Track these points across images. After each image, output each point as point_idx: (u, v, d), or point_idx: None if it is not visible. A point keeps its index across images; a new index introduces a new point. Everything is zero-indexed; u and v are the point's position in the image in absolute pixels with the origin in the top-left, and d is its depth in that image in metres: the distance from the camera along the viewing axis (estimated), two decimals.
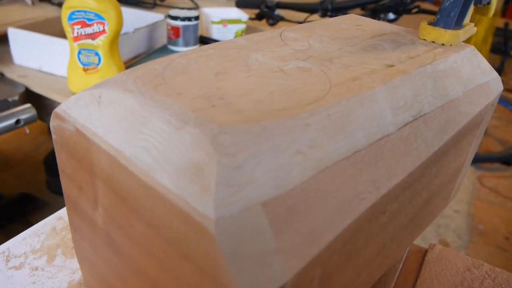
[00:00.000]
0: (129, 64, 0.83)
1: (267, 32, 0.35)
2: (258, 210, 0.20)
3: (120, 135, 0.23)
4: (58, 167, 0.30)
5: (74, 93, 0.74)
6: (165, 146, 0.21)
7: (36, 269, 0.43)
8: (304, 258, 0.21)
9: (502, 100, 2.25)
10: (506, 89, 2.79)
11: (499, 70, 2.44)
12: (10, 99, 0.72)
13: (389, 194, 0.26)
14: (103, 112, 0.25)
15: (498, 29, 2.51)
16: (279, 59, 0.30)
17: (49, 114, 0.80)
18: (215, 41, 1.04)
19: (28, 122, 0.71)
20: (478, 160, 1.98)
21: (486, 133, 2.24)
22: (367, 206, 0.24)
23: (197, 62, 0.28)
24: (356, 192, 0.24)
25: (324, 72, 0.28)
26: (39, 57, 0.80)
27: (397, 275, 0.46)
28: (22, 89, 0.74)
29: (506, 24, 2.39)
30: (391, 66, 0.30)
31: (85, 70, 0.70)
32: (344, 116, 0.24)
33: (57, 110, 0.27)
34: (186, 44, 0.95)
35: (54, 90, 0.75)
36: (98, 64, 0.70)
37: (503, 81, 2.74)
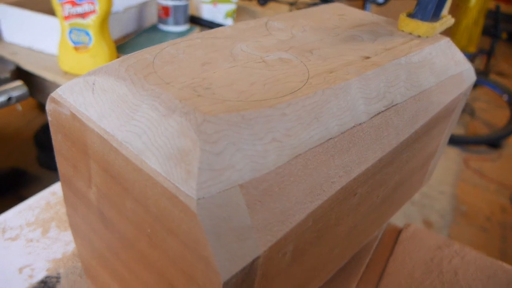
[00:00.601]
0: (120, 43, 0.84)
1: (253, 21, 0.37)
2: (236, 191, 0.22)
3: (112, 121, 0.25)
4: (54, 147, 0.32)
5: (65, 72, 0.75)
6: (154, 132, 0.23)
7: (31, 240, 0.46)
8: (276, 234, 0.23)
9: (491, 83, 2.28)
10: (496, 72, 2.82)
11: (490, 53, 2.47)
12: (1, 76, 0.72)
13: (359, 178, 0.29)
14: (97, 98, 0.26)
15: (489, 12, 2.53)
16: (262, 49, 0.31)
17: (40, 91, 0.81)
18: (206, 21, 1.05)
19: (19, 99, 0.72)
20: (465, 142, 2.03)
21: (474, 116, 2.29)
22: (337, 189, 0.27)
23: (185, 52, 0.30)
24: (327, 176, 0.26)
25: (304, 64, 0.30)
26: (29, 34, 0.80)
27: (372, 251, 0.49)
28: (12, 67, 0.75)
29: (498, 7, 2.41)
30: (367, 58, 0.33)
31: (76, 49, 0.71)
32: (318, 106, 0.27)
33: (53, 94, 0.29)
34: (176, 23, 0.96)
35: (45, 68, 0.76)
36: (88, 44, 0.71)
37: (493, 64, 2.77)
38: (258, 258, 0.23)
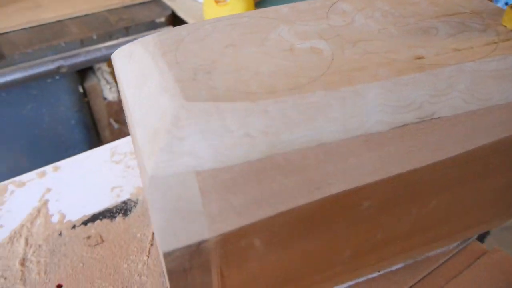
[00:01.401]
0: (258, 0, 0.86)
1: (321, 1, 0.35)
2: (191, 176, 0.23)
3: (131, 91, 0.28)
4: None
5: None
6: (148, 108, 0.26)
7: (129, 167, 0.54)
8: (231, 224, 0.24)
9: None
10: None
11: None
12: (157, 20, 0.83)
13: (362, 189, 0.27)
14: (129, 66, 0.30)
15: None
16: (301, 35, 0.30)
17: None
18: None
19: None
20: None
21: None
22: (323, 196, 0.26)
23: (221, 31, 0.31)
24: (311, 181, 0.25)
25: (333, 57, 0.28)
26: None
27: (434, 267, 0.44)
28: (169, 12, 0.85)
29: None
30: (420, 58, 0.28)
31: (216, 1, 0.76)
32: (315, 108, 0.25)
33: (112, 55, 0.33)
34: None
35: (193, 17, 0.84)
36: None
37: None
38: (205, 241, 0.24)
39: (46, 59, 0.73)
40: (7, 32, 0.77)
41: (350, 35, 0.30)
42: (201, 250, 0.25)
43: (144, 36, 0.79)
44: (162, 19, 0.84)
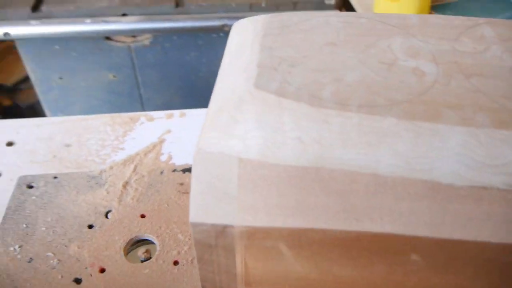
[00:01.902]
0: (439, 3, 0.78)
1: (463, 20, 0.31)
2: (233, 160, 0.24)
3: (227, 60, 0.30)
4: None
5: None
6: (227, 82, 0.27)
7: None
8: (258, 221, 0.24)
9: None
10: None
11: None
12: (327, 2, 0.83)
13: (412, 240, 0.24)
14: (235, 39, 0.31)
15: None
16: (411, 52, 0.27)
17: None
18: None
19: None
20: None
21: None
22: (358, 230, 0.24)
23: (331, 27, 0.29)
24: (351, 209, 0.24)
25: (433, 84, 0.25)
26: None
27: None
28: None
29: None
30: None
31: None
32: (381, 134, 0.23)
33: (233, 25, 0.35)
34: None
35: (363, 5, 0.81)
36: None
37: None
38: (230, 227, 0.25)
39: (215, 15, 0.80)
40: None
41: (470, 66, 0.26)
42: (226, 233, 0.25)
43: None
44: (332, 1, 0.83)
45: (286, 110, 0.24)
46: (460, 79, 0.25)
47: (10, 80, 1.29)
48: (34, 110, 0.92)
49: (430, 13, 0.75)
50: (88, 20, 0.75)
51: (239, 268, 0.28)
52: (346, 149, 0.23)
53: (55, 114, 0.93)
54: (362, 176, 0.23)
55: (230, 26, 0.80)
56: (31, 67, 0.85)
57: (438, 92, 0.24)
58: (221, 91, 0.27)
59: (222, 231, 0.25)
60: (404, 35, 0.29)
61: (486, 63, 0.27)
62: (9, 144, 0.52)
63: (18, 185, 0.47)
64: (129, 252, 0.43)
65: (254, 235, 0.25)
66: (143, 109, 0.96)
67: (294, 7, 0.82)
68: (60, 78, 0.87)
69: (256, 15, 0.79)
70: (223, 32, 0.82)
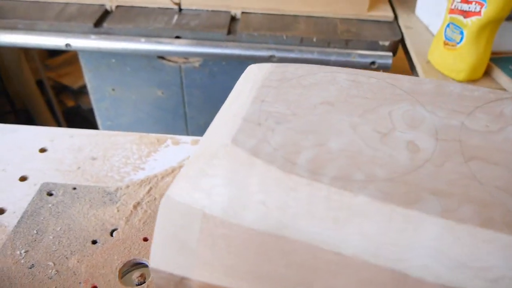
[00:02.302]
0: (499, 56, 0.73)
1: (485, 92, 0.28)
2: (198, 214, 0.23)
3: (227, 102, 0.29)
4: None
5: (427, 60, 0.74)
6: (214, 128, 0.26)
7: None
8: (214, 279, 0.23)
9: None
10: None
11: None
12: (381, 43, 0.80)
13: None
14: (241, 81, 0.31)
15: None
16: (413, 123, 0.25)
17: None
18: None
19: (381, 67, 0.79)
20: None
21: None
22: None
23: (335, 85, 0.28)
24: (308, 286, 0.22)
25: (425, 164, 0.23)
26: (435, 14, 0.82)
27: None
28: (397, 38, 0.81)
29: None
30: None
31: (445, 43, 0.68)
32: (348, 211, 0.21)
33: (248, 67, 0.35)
34: None
35: (418, 51, 0.77)
36: (458, 43, 0.66)
37: None
38: (188, 279, 0.24)
39: (264, 45, 0.80)
40: (248, 12, 0.87)
41: (474, 147, 0.24)
42: (185, 285, 0.25)
43: (359, 53, 0.78)
44: (386, 43, 0.80)
45: (256, 171, 0.22)
46: (457, 162, 0.23)
47: (76, 83, 1.38)
48: (92, 114, 0.97)
49: (488, 66, 0.70)
50: (143, 39, 0.78)
51: None
52: (311, 221, 0.21)
53: (105, 122, 0.97)
54: (325, 253, 0.21)
55: (277, 58, 0.80)
56: (88, 76, 0.90)
57: (427, 173, 0.22)
58: (205, 139, 0.26)
59: (180, 281, 0.24)
60: (411, 102, 0.27)
61: (494, 146, 0.24)
62: (42, 150, 0.55)
63: (40, 191, 0.50)
64: (124, 275, 0.43)
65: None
66: (186, 127, 0.98)
67: (346, 45, 0.80)
68: (113, 90, 0.92)
69: (306, 49, 0.79)
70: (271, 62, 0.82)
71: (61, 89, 1.44)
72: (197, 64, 0.87)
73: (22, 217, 0.46)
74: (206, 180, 0.23)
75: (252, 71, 0.31)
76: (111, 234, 0.45)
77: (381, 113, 0.26)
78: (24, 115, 1.33)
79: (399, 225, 0.20)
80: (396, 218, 0.21)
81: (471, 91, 0.28)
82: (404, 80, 0.29)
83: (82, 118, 1.41)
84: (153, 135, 0.58)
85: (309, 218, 0.21)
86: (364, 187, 0.21)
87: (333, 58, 0.78)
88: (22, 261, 0.43)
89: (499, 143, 0.24)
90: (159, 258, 0.24)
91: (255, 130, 0.24)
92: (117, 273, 0.42)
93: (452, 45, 0.67)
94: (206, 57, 0.84)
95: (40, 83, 1.33)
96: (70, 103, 1.42)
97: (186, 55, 0.83)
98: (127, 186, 0.50)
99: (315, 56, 0.79)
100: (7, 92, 1.28)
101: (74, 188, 0.50)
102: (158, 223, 0.24)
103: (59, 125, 1.35)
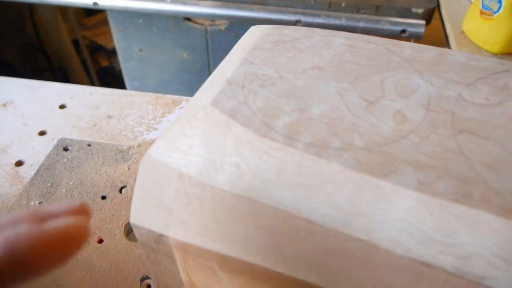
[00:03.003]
0: None
1: (492, 63, 0.26)
2: (174, 174, 0.23)
3: (213, 73, 0.29)
4: None
5: (461, 30, 0.70)
6: (203, 90, 0.26)
7: None
8: (189, 239, 0.24)
9: None
10: None
11: None
12: (414, 10, 0.76)
13: None
14: (240, 41, 0.30)
15: None
16: (406, 92, 0.24)
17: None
18: None
19: (412, 36, 0.75)
20: None
21: None
22: (281, 272, 0.22)
23: (330, 49, 0.27)
24: (276, 250, 0.22)
25: (410, 135, 0.22)
26: None
27: None
28: (432, 6, 0.76)
29: None
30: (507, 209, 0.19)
31: (481, 12, 0.64)
32: (319, 179, 0.20)
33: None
34: None
35: (453, 20, 0.73)
36: (495, 12, 0.61)
37: None
38: (165, 236, 0.24)
39: (291, 9, 0.78)
40: None
41: (467, 120, 0.22)
42: (163, 241, 0.25)
43: (389, 20, 0.74)
44: (420, 11, 0.76)
45: (231, 134, 0.22)
46: (445, 134, 0.22)
47: (111, 44, 1.40)
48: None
49: None
50: (168, 0, 0.78)
51: (183, 276, 0.28)
52: (282, 187, 0.21)
53: (132, 82, 0.99)
54: (295, 219, 0.21)
55: (303, 23, 0.78)
56: (117, 36, 0.91)
57: (409, 144, 0.21)
58: (192, 100, 0.26)
59: (159, 238, 0.25)
60: (407, 70, 0.25)
61: (489, 120, 0.22)
62: (62, 106, 0.56)
63: (57, 146, 0.51)
64: (130, 232, 0.44)
65: (188, 250, 0.25)
66: None
67: (376, 11, 0.77)
68: (140, 50, 0.92)
69: (334, 15, 0.76)
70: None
71: (96, 49, 1.47)
72: (223, 27, 0.86)
73: (38, 170, 0.49)
74: (184, 141, 0.23)
75: (250, 32, 0.30)
76: (120, 191, 0.47)
77: (372, 80, 0.25)
78: (60, 73, 1.37)
79: (371, 196, 0.20)
80: (368, 189, 0.20)
81: (478, 61, 0.26)
82: (406, 47, 0.27)
83: (115, 78, 1.44)
84: (169, 96, 0.58)
85: (280, 184, 0.21)
86: (339, 155, 0.21)
87: (361, 24, 0.75)
88: None
89: (495, 117, 0.23)
90: (138, 215, 0.25)
91: (237, 92, 0.24)
92: (123, 228, 0.44)
93: (489, 14, 0.63)
94: (232, 20, 0.82)
95: (76, 43, 1.36)
96: (104, 62, 1.45)
97: (212, 17, 0.82)
98: (139, 145, 0.51)
99: (342, 22, 0.76)
100: (44, 50, 1.32)
101: (89, 145, 0.51)
102: (138, 180, 0.24)
103: (92, 83, 1.38)
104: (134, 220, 0.25)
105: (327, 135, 0.21)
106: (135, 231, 0.26)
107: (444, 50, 0.27)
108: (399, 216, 0.19)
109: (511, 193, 0.19)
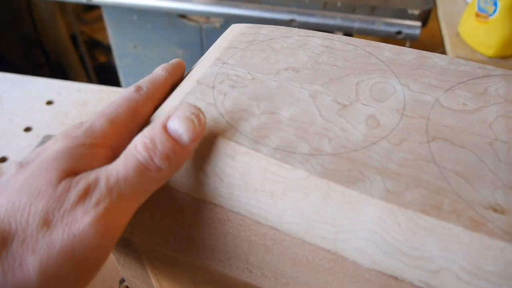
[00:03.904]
0: None
1: (473, 67, 0.25)
2: None
3: (189, 73, 0.28)
4: None
5: (457, 33, 0.69)
6: (170, 97, 0.25)
7: None
8: (154, 244, 0.23)
9: None
10: None
11: None
12: (410, 11, 0.75)
13: None
14: (218, 40, 0.29)
15: None
16: (380, 96, 0.23)
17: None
18: None
19: (408, 37, 0.74)
20: None
21: None
22: (246, 280, 0.21)
23: (307, 50, 0.26)
24: (242, 258, 0.21)
25: (380, 142, 0.21)
26: None
27: None
28: (429, 7, 0.75)
29: None
30: (496, 211, 0.18)
31: (477, 15, 0.63)
32: (284, 185, 0.20)
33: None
34: None
35: (449, 22, 0.72)
36: (491, 15, 0.60)
37: None
38: (133, 241, 0.24)
39: (285, 8, 0.77)
40: None
41: (441, 127, 0.21)
42: (131, 246, 0.24)
43: (385, 21, 0.73)
44: (416, 12, 0.75)
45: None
46: (417, 141, 0.21)
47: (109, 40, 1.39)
48: None
49: None
50: None
51: (154, 283, 0.27)
52: (247, 193, 0.20)
53: (127, 79, 0.98)
54: (260, 226, 0.20)
55: (297, 23, 0.77)
56: (111, 32, 0.91)
57: (379, 151, 0.20)
58: (165, 101, 0.25)
59: (127, 243, 0.24)
60: (385, 73, 0.25)
61: (465, 127, 0.22)
62: (49, 103, 0.56)
63: (41, 143, 0.51)
64: None
65: (155, 255, 0.24)
66: None
67: (371, 11, 0.76)
68: (135, 47, 0.92)
69: (329, 15, 0.75)
70: (291, 27, 0.79)
71: (93, 45, 1.46)
72: (218, 25, 0.85)
73: None
74: None
75: (228, 31, 0.30)
76: None
77: (347, 83, 0.24)
78: (58, 69, 1.37)
79: (336, 204, 0.19)
80: (334, 197, 0.19)
81: (458, 65, 0.25)
82: (385, 49, 0.26)
83: (112, 74, 1.43)
84: None
85: (245, 189, 0.20)
86: (305, 160, 0.20)
87: (356, 25, 0.75)
88: None
89: (472, 124, 0.22)
90: None
91: (206, 93, 0.23)
92: None
93: (484, 17, 0.62)
94: (227, 18, 0.81)
95: (73, 38, 1.35)
96: (102, 58, 1.44)
97: (206, 15, 0.82)
98: None
99: (337, 22, 0.76)
100: (42, 45, 1.31)
101: None
102: None
103: (89, 79, 1.38)
104: None
105: (295, 140, 0.21)
106: None
107: (424, 53, 0.26)
108: (365, 226, 0.19)
109: (482, 205, 0.18)
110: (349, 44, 0.27)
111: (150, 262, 0.25)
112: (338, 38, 0.27)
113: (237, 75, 0.24)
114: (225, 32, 0.30)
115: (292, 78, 0.24)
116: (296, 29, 0.28)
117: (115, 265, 0.40)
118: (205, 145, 0.21)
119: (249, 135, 0.21)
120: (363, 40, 0.27)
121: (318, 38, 0.27)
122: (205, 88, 0.23)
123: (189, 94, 0.23)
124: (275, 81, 0.24)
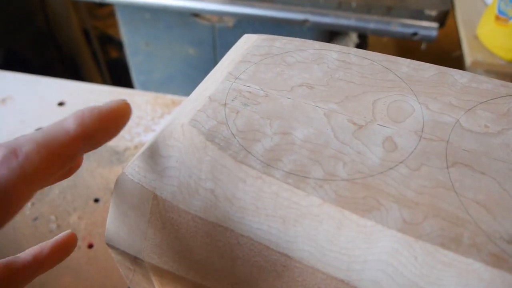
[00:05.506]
0: None
1: (495, 85, 0.24)
2: (148, 194, 0.22)
3: (199, 85, 0.28)
4: None
5: (475, 35, 0.67)
6: (180, 112, 0.25)
7: None
8: (160, 263, 0.22)
9: None
10: None
11: None
12: (426, 12, 0.73)
13: None
14: (231, 50, 0.29)
15: None
16: (398, 116, 0.22)
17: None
18: None
19: (424, 39, 0.73)
20: None
21: None
22: None
23: (322, 64, 0.25)
24: (253, 284, 0.21)
25: (398, 167, 0.20)
26: None
27: None
28: (446, 8, 0.73)
29: None
30: (495, 255, 0.17)
31: (496, 18, 0.61)
32: (297, 212, 0.19)
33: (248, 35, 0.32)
34: None
35: (467, 24, 0.70)
36: (511, 18, 0.59)
37: None
38: (140, 259, 0.23)
39: (299, 8, 0.76)
40: None
41: (462, 151, 0.21)
42: (139, 263, 0.24)
43: (401, 22, 0.72)
44: (433, 13, 0.73)
45: (208, 157, 0.21)
46: (436, 166, 0.20)
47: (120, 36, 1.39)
48: None
49: None
50: None
51: None
52: (258, 218, 0.20)
53: (138, 76, 0.98)
54: (271, 252, 0.20)
55: (311, 23, 0.76)
56: (124, 30, 0.90)
57: (396, 177, 0.19)
58: (173, 114, 0.25)
59: (134, 260, 0.24)
60: (403, 91, 0.24)
61: (487, 151, 0.21)
62: (60, 104, 0.56)
63: None
64: None
65: (163, 275, 0.24)
66: None
67: (387, 12, 0.74)
68: (147, 45, 0.91)
69: (343, 15, 0.74)
70: (305, 28, 0.78)
71: (106, 40, 1.46)
72: (230, 24, 0.85)
73: None
74: (159, 161, 0.22)
75: (241, 42, 0.29)
76: None
77: (364, 101, 0.23)
78: (71, 65, 1.37)
79: (350, 234, 0.18)
80: (348, 226, 0.18)
81: (480, 83, 0.24)
82: (403, 64, 0.25)
83: (124, 70, 1.43)
84: (169, 96, 0.57)
85: (256, 214, 0.20)
86: (319, 186, 0.19)
87: (371, 26, 0.73)
88: (28, 212, 0.44)
89: (494, 148, 0.21)
90: (112, 236, 0.24)
91: (218, 111, 0.22)
92: None
93: (504, 20, 0.60)
94: (240, 17, 0.81)
95: (86, 33, 1.35)
96: (114, 53, 1.45)
97: (219, 14, 0.81)
98: (135, 147, 0.51)
99: (351, 22, 0.74)
100: (55, 40, 1.32)
101: None
102: (113, 199, 0.23)
103: (102, 75, 1.38)
104: (109, 240, 0.24)
105: (308, 163, 0.20)
106: (110, 250, 0.25)
107: (444, 69, 0.25)
108: (380, 258, 0.18)
109: (504, 238, 0.17)
110: (366, 58, 0.26)
111: (158, 280, 0.25)
112: (354, 52, 0.26)
113: (249, 92, 0.23)
114: (237, 43, 0.29)
115: (306, 96, 0.23)
116: (311, 41, 0.27)
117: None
118: (216, 167, 0.20)
119: (261, 158, 0.20)
120: (380, 54, 0.26)
121: (334, 52, 0.26)
122: (217, 105, 0.23)
123: (201, 112, 0.22)
124: (288, 98, 0.23)
